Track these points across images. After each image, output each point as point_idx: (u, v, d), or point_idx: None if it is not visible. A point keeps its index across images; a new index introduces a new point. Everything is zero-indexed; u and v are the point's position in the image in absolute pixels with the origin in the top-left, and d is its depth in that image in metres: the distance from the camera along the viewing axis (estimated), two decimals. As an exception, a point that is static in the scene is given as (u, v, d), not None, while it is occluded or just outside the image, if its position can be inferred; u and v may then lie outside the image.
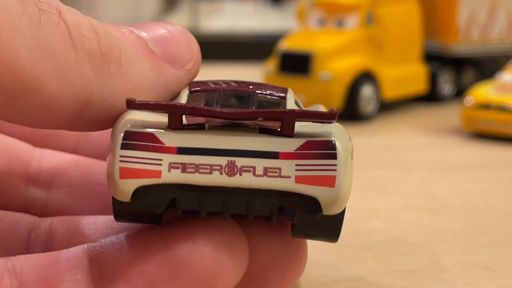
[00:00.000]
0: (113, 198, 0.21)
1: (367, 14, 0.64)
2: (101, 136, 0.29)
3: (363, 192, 0.43)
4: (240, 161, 0.20)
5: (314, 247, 0.33)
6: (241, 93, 0.23)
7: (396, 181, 0.46)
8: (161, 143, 0.21)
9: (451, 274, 0.31)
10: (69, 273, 0.21)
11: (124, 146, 0.20)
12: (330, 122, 0.21)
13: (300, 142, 0.21)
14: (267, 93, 0.24)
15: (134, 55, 0.22)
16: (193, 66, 0.24)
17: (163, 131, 0.21)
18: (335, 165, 0.20)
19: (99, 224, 0.25)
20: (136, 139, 0.20)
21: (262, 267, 0.22)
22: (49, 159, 0.28)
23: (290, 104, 0.23)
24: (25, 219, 0.26)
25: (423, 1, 0.69)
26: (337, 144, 0.20)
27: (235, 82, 0.24)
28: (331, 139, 0.20)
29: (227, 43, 0.95)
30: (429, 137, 0.59)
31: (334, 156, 0.20)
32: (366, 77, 0.63)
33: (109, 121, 0.22)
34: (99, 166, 0.28)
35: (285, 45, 0.64)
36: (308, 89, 0.61)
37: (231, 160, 0.20)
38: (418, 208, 0.40)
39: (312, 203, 0.20)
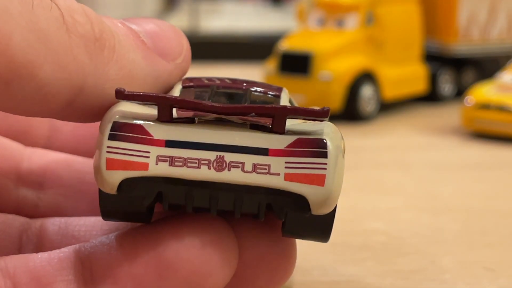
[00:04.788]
0: (99, 192, 0.21)
1: (367, 14, 0.64)
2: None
3: (363, 192, 0.43)
4: (229, 156, 0.20)
5: (315, 248, 0.33)
6: (234, 90, 0.23)
7: (396, 181, 0.46)
8: (150, 135, 0.20)
9: (451, 274, 0.31)
10: (60, 274, 0.21)
11: (111, 137, 0.20)
12: (322, 120, 0.20)
13: (291, 139, 0.20)
14: (261, 91, 0.23)
15: (127, 44, 0.22)
16: (184, 60, 0.24)
17: (152, 123, 0.20)
18: (325, 163, 0.20)
19: (89, 225, 0.25)
20: (124, 131, 0.20)
21: (250, 267, 0.22)
22: (40, 158, 0.28)
23: (284, 103, 0.23)
24: (16, 221, 0.26)
25: (423, 1, 0.69)
26: (328, 143, 0.20)
27: (230, 79, 0.24)
28: (322, 138, 0.20)
29: (227, 43, 0.95)
30: (429, 137, 0.59)
31: (324, 155, 0.20)
32: (366, 77, 0.63)
33: (101, 110, 0.22)
34: (90, 166, 0.27)
35: (285, 45, 0.64)
36: (308, 89, 0.61)
37: (220, 155, 0.20)
38: (418, 208, 0.40)
39: (300, 202, 0.20)
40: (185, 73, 0.24)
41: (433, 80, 0.70)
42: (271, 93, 0.23)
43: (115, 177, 0.20)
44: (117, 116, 0.20)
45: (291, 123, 0.21)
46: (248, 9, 1.41)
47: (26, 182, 0.27)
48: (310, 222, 0.21)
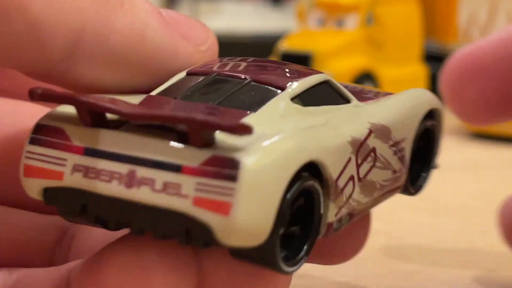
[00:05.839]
0: None
1: (367, 14, 0.64)
2: None
3: (363, 192, 0.43)
4: (140, 171, 0.17)
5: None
6: (231, 80, 0.20)
7: (396, 181, 0.46)
8: (69, 140, 0.18)
9: (451, 274, 0.31)
10: None
11: (32, 141, 0.18)
12: (242, 135, 0.17)
13: (206, 155, 0.17)
14: (266, 82, 0.20)
15: (142, 5, 0.20)
16: (209, 49, 0.22)
17: (75, 127, 0.18)
18: (233, 189, 0.16)
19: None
20: (44, 134, 0.18)
21: None
22: None
23: (282, 99, 0.20)
24: (57, 225, 0.24)
25: (423, 1, 0.69)
26: (244, 164, 0.17)
27: (254, 61, 0.21)
28: (236, 156, 0.17)
29: (227, 43, 0.95)
30: (429, 137, 0.59)
31: (233, 178, 0.16)
32: (366, 77, 0.63)
33: (106, 63, 0.19)
34: None
35: (285, 45, 0.64)
36: (308, 89, 0.61)
37: (131, 169, 0.17)
38: (418, 208, 0.40)
39: (205, 231, 0.17)
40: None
41: (433, 80, 0.70)
42: (277, 84, 0.20)
43: (32, 186, 0.18)
44: (43, 117, 0.19)
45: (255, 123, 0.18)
46: (248, 9, 1.41)
47: None
48: (251, 249, 0.18)
